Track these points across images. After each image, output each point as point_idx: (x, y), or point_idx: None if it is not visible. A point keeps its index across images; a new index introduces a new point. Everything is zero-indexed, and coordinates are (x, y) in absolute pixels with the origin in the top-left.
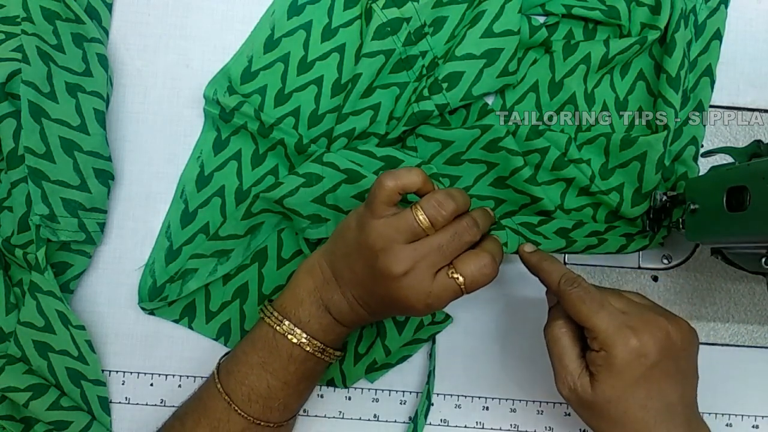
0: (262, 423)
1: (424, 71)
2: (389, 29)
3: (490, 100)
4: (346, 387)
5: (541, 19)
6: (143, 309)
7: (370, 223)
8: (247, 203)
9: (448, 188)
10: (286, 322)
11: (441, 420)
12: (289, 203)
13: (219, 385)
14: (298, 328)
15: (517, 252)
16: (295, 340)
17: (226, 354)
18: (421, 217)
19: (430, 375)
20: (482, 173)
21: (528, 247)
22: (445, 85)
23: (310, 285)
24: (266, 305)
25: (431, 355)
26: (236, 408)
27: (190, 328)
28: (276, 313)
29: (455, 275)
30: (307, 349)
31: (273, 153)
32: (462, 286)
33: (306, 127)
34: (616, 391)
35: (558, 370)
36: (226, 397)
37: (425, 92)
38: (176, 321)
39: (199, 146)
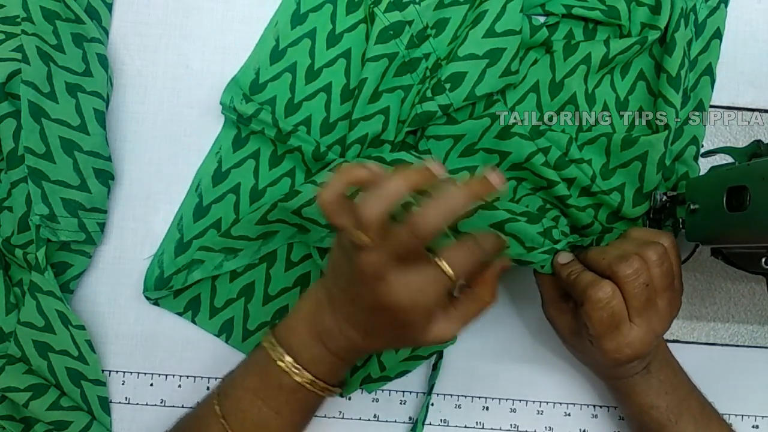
0: None
1: (428, 73)
2: (392, 32)
3: None
4: (342, 396)
5: (542, 19)
6: (147, 298)
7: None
8: (264, 210)
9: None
10: (279, 349)
11: (441, 420)
12: (307, 213)
13: (217, 407)
14: (290, 356)
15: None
16: (285, 368)
17: (229, 374)
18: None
19: (432, 374)
20: (497, 163)
21: (562, 258)
22: (448, 86)
23: (304, 311)
24: (269, 329)
25: (435, 366)
26: None
27: (193, 322)
28: (272, 338)
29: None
30: (296, 378)
31: (291, 156)
32: (446, 271)
33: (318, 136)
34: (598, 365)
35: (545, 305)
36: (223, 421)
37: (428, 93)
38: (180, 314)
39: (218, 142)
